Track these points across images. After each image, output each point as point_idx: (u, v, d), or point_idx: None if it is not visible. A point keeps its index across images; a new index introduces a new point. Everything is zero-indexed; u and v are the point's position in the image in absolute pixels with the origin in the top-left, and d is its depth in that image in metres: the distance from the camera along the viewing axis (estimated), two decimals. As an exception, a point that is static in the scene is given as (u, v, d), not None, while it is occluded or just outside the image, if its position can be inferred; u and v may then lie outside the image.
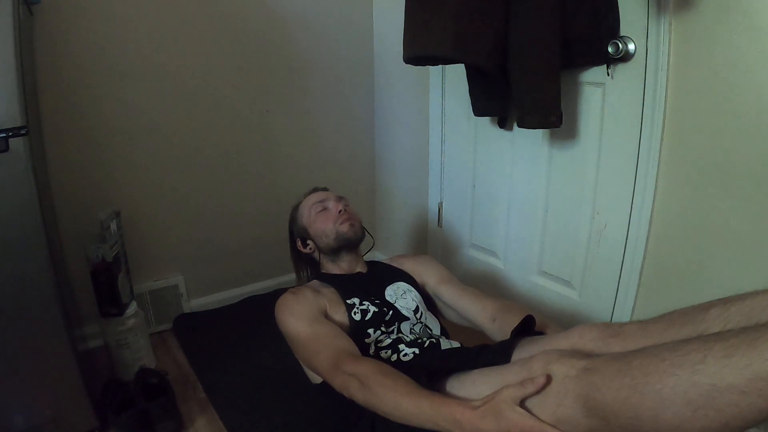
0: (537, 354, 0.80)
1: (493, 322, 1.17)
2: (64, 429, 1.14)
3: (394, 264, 1.38)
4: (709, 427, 0.56)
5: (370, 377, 0.89)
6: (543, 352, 0.80)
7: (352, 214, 1.33)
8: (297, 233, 1.38)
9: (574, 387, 0.69)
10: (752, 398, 0.53)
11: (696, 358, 0.58)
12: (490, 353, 0.95)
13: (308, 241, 1.35)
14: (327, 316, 1.14)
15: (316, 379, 1.12)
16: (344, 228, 1.29)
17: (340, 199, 1.36)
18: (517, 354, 0.92)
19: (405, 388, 0.85)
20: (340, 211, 1.31)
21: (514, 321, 1.06)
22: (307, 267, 1.42)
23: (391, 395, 0.85)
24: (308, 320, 1.10)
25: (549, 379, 0.72)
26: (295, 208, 1.40)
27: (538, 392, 0.72)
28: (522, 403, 0.74)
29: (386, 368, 0.92)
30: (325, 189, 1.43)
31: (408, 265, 1.37)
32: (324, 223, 1.31)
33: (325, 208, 1.33)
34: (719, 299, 0.76)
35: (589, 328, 0.88)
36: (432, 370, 0.89)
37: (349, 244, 1.30)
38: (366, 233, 1.36)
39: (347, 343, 1.04)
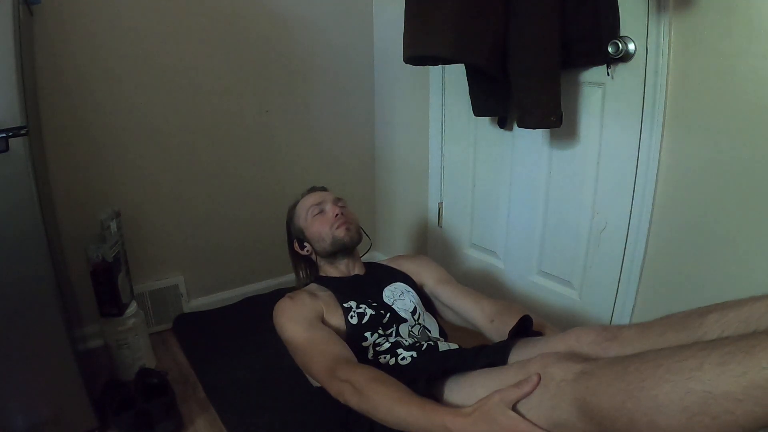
0: (534, 357, 0.80)
1: (492, 323, 1.17)
2: (64, 429, 1.14)
3: (393, 265, 1.38)
4: None
5: (364, 384, 0.89)
6: (540, 355, 0.80)
7: (349, 218, 1.32)
8: (294, 234, 1.37)
9: (570, 391, 0.69)
10: (748, 406, 0.53)
11: (692, 364, 0.57)
12: (487, 354, 0.95)
13: (305, 244, 1.34)
14: (324, 321, 1.14)
15: (316, 383, 1.12)
16: (340, 233, 1.28)
17: (337, 200, 1.34)
18: (514, 355, 0.92)
19: (398, 395, 0.85)
20: (336, 215, 1.30)
21: (512, 322, 1.06)
22: (306, 267, 1.42)
23: (385, 402, 0.85)
24: (305, 325, 1.10)
25: (540, 379, 0.72)
26: (292, 208, 1.39)
27: (531, 392, 0.72)
28: (515, 407, 0.74)
29: (380, 375, 0.92)
30: (323, 188, 1.42)
31: (406, 266, 1.37)
32: (320, 226, 1.29)
33: (321, 211, 1.31)
34: (717, 304, 0.76)
35: (587, 331, 0.87)
36: (430, 375, 0.89)
37: (345, 249, 1.30)
38: (362, 235, 1.35)
39: (342, 349, 1.05)
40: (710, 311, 0.75)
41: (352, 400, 0.90)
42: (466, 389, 0.86)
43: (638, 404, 0.60)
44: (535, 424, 0.71)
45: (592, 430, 0.67)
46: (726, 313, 0.72)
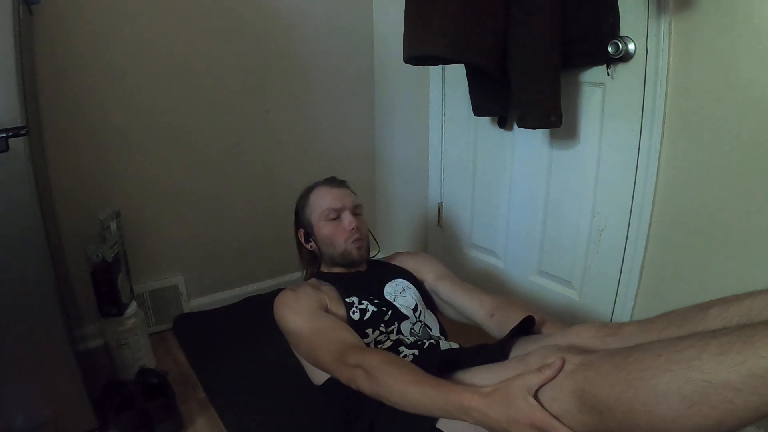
0: (534, 350, 0.80)
1: (492, 317, 1.16)
2: (64, 429, 1.14)
3: (393, 261, 1.38)
4: (704, 423, 0.56)
5: (376, 367, 0.88)
6: (541, 347, 0.80)
7: (363, 232, 1.29)
8: (302, 223, 1.34)
9: (570, 382, 0.69)
10: (747, 396, 0.52)
11: (692, 354, 0.57)
12: (487, 353, 0.95)
13: (311, 239, 1.33)
14: (328, 311, 1.13)
15: (318, 380, 1.12)
16: (352, 249, 1.25)
17: (355, 208, 1.30)
18: (515, 353, 0.92)
19: (411, 376, 0.84)
20: (352, 229, 1.26)
21: (512, 317, 1.06)
22: (308, 258, 1.39)
23: (398, 384, 0.84)
24: (309, 315, 1.09)
25: (563, 363, 0.71)
26: (305, 195, 1.34)
27: (553, 378, 0.70)
28: (536, 394, 0.72)
29: (392, 357, 0.91)
30: (343, 182, 1.36)
31: (407, 262, 1.36)
32: (333, 233, 1.26)
33: (338, 218, 1.28)
34: (718, 299, 0.76)
35: (587, 327, 0.88)
36: (441, 362, 0.88)
37: (353, 264, 1.28)
38: (370, 249, 1.33)
39: (350, 335, 1.03)
40: (711, 306, 0.75)
41: (365, 385, 0.89)
42: (467, 383, 0.85)
43: (637, 394, 0.60)
44: (553, 416, 0.69)
45: (591, 420, 0.66)
46: (727, 308, 0.73)
